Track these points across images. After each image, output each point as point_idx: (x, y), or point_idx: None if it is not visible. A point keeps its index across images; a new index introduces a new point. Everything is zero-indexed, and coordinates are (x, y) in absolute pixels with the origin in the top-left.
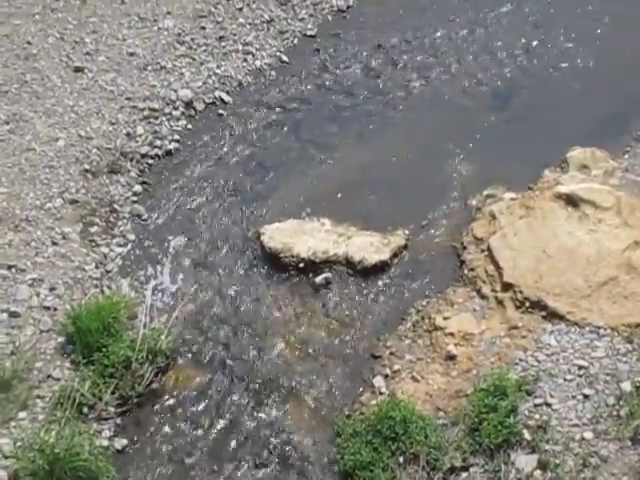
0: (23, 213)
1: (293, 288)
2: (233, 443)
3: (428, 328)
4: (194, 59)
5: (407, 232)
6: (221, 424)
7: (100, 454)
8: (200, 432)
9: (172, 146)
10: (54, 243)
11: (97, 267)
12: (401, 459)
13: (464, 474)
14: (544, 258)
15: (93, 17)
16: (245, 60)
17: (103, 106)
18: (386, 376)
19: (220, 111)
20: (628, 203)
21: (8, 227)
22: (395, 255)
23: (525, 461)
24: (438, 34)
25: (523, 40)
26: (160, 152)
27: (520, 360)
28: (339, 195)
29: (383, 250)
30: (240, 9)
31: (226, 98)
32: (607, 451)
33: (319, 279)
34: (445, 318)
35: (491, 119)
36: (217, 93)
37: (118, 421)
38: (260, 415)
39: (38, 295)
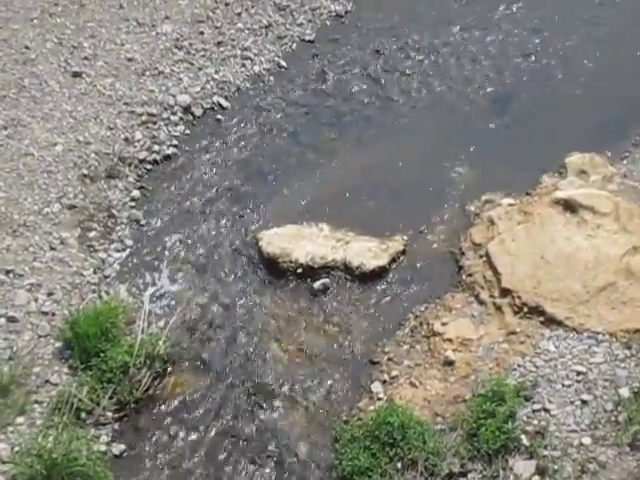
0: (21, 218)
1: (291, 293)
2: (231, 448)
3: (426, 334)
4: (192, 64)
5: (405, 237)
6: (219, 429)
7: (98, 459)
8: (198, 437)
9: (170, 151)
10: (52, 248)
11: (95, 272)
12: (399, 465)
13: None
14: (542, 264)
15: (91, 22)
16: (243, 65)
17: (101, 111)
18: (384, 382)
19: (218, 116)
20: (626, 209)
21: (6, 232)
22: (393, 260)
23: (523, 467)
24: (436, 39)
25: (522, 45)
26: (158, 157)
27: (518, 366)
28: (337, 200)
29: (381, 255)
30: (238, 14)
31: (224, 103)
32: (605, 457)
33: (317, 284)
34: (443, 324)
35: (490, 124)
36: (215, 98)
37: (116, 426)
38: (258, 420)
39: (36, 300)
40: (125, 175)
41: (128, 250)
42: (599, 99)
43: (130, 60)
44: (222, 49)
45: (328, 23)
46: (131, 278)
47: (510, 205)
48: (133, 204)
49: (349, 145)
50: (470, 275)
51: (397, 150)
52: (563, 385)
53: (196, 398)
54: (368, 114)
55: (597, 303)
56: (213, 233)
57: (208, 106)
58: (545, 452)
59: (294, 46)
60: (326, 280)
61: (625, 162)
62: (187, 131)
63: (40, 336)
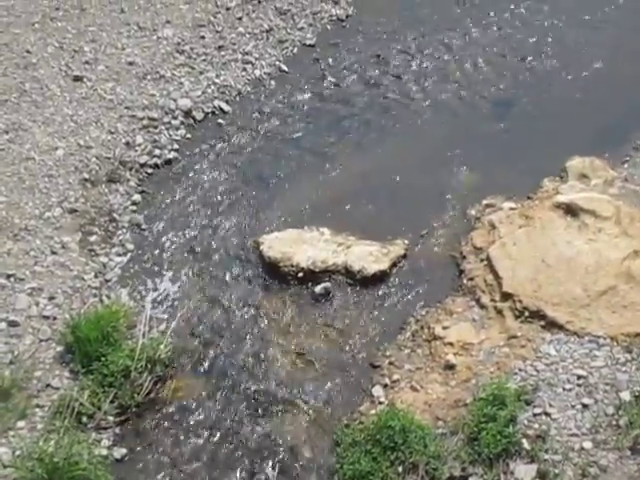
0: (22, 222)
1: (292, 297)
2: (232, 452)
3: (427, 338)
4: (193, 68)
5: (406, 242)
6: (220, 433)
7: (99, 463)
8: (199, 441)
9: (171, 155)
10: (53, 252)
11: (96, 276)
12: (400, 469)
13: None
14: (543, 268)
15: (92, 26)
16: (244, 69)
17: (102, 115)
18: (385, 385)
19: (219, 120)
20: (627, 212)
21: (7, 236)
22: (394, 265)
23: (524, 471)
24: (437, 44)
25: (523, 49)
26: (159, 161)
27: (519, 370)
28: (338, 204)
29: (382, 260)
30: (239, 18)
31: (225, 107)
32: (606, 461)
33: (318, 289)
34: (444, 328)
35: (490, 128)
36: (216, 102)
37: (117, 430)
38: (259, 424)
39: (37, 304)
40: (126, 179)
41: (129, 254)
42: (600, 103)
43: (131, 64)
44: (223, 53)
45: (329, 27)
46: (132, 282)
47: (511, 209)
48: (134, 208)
49: (350, 149)
50: (471, 279)
51: (398, 154)
52: (564, 389)
53: (197, 402)
54: (369, 118)
55: (598, 307)
56: (214, 237)
57: (209, 110)
58: (546, 456)
59: (295, 50)
60: (327, 284)
61: (626, 166)
62: (188, 135)
63: (41, 340)
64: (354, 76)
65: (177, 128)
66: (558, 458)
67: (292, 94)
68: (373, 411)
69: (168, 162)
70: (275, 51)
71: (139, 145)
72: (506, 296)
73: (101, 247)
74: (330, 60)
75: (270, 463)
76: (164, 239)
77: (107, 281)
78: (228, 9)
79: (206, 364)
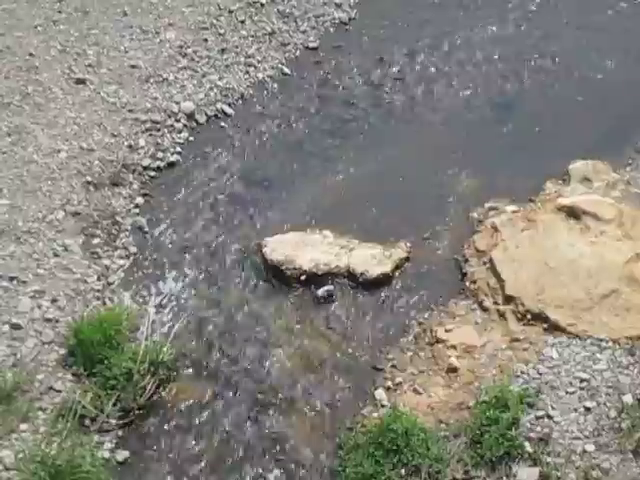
0: (25, 225)
1: (295, 300)
2: (235, 455)
3: (430, 341)
4: (196, 71)
5: (409, 244)
6: (222, 436)
7: (101, 466)
8: (202, 444)
9: (174, 158)
10: (56, 255)
11: (99, 279)
12: (403, 471)
13: None
14: (546, 270)
15: (95, 29)
16: (247, 72)
17: (105, 118)
18: (388, 388)
19: (222, 123)
20: (630, 215)
21: (10, 239)
22: (397, 267)
23: (527, 473)
24: (441, 47)
25: (525, 53)
26: (162, 164)
27: (522, 372)
28: (341, 207)
29: (385, 262)
30: (242, 21)
31: (228, 110)
32: (609, 464)
33: (321, 291)
34: (447, 330)
35: (493, 131)
36: (219, 105)
37: (120, 433)
38: (262, 427)
39: (40, 307)
40: (129, 182)
41: (132, 257)
42: (602, 106)
43: (134, 67)
44: (226, 56)
45: (332, 30)
46: (135, 285)
47: (513, 212)
48: (137, 211)
49: (352, 152)
50: (474, 282)
51: (400, 157)
52: (566, 392)
53: (200, 405)
54: (371, 121)
55: (600, 310)
56: (217, 240)
57: (212, 113)
58: (549, 459)
59: (297, 53)
60: (330, 287)
61: (629, 169)
62: (191, 138)
63: (44, 343)
64: (357, 79)
65: (180, 131)
66: (560, 461)
67: (295, 97)
68: (376, 414)
69: (171, 165)
70: (278, 54)
71: (142, 148)
72: (509, 299)
73: (104, 250)
74: (333, 63)
75: (273, 466)
76: (167, 242)
77: (110, 284)
78: (231, 12)
79: (209, 367)
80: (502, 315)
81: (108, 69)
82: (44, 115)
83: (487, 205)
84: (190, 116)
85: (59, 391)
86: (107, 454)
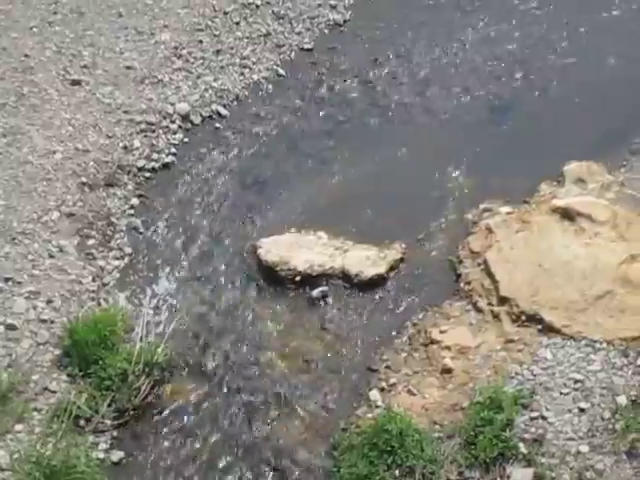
0: (20, 226)
1: (289, 301)
2: (229, 456)
3: (424, 341)
4: (191, 72)
5: (403, 245)
6: (217, 437)
7: (96, 466)
8: (196, 445)
9: (169, 159)
10: (51, 256)
11: (94, 280)
12: (397, 472)
13: None
14: (540, 272)
15: (90, 30)
16: (242, 74)
17: (100, 119)
18: (382, 389)
19: (217, 124)
20: (624, 217)
21: (5, 240)
22: (391, 269)
23: (521, 474)
24: (436, 48)
25: (521, 55)
26: (157, 165)
27: (516, 373)
28: (336, 208)
29: (379, 264)
30: (237, 23)
31: (223, 112)
32: (603, 465)
33: (316, 292)
34: (441, 332)
35: (487, 132)
36: (214, 106)
37: (114, 433)
38: (256, 428)
39: (35, 308)
40: (124, 183)
41: (127, 258)
42: (597, 107)
43: (129, 68)
44: (221, 58)
45: (327, 32)
46: (130, 286)
47: (508, 213)
48: (132, 212)
49: (347, 153)
50: (468, 283)
51: (395, 158)
52: (561, 393)
53: (194, 406)
54: (366, 122)
55: (595, 311)
56: (212, 241)
57: (207, 114)
58: (543, 460)
59: (293, 55)
60: (324, 288)
61: (623, 170)
62: (186, 139)
63: (39, 344)
64: (352, 80)
65: (175, 132)
66: (555, 462)
67: (290, 98)
68: (370, 415)
69: (166, 166)
70: (273, 55)
71: (137, 149)
72: (503, 300)
73: (99, 251)
74: (328, 64)
75: (267, 467)
76: (162, 243)
77: (105, 285)
78: (226, 13)
79: (203, 368)
80: (496, 316)
81: (103, 70)
82: (39, 116)
83: (482, 206)
84: (185, 117)
85: (54, 392)
86: (102, 455)
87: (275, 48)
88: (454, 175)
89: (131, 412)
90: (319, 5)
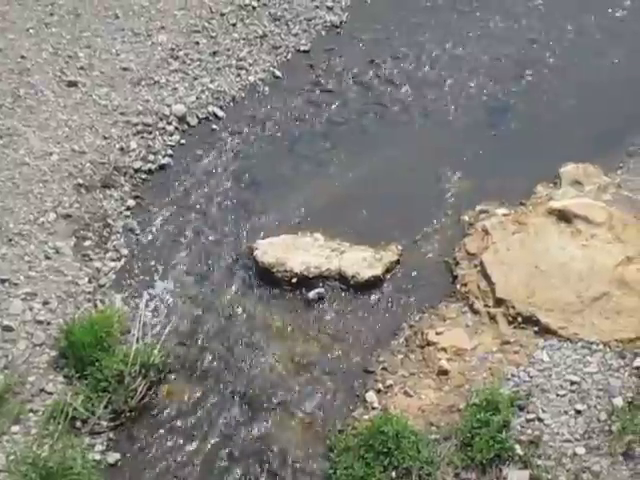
0: (17, 227)
1: (286, 303)
2: (225, 457)
3: (421, 343)
4: (187, 74)
5: (400, 247)
6: (214, 438)
7: (92, 468)
8: (193, 446)
9: (165, 161)
10: (47, 257)
11: (90, 281)
12: (393, 474)
13: None
14: (536, 273)
15: (87, 32)
16: (239, 75)
17: (96, 121)
18: (379, 391)
19: (213, 126)
20: (621, 219)
21: (2, 241)
22: (388, 270)
23: (517, 476)
24: (432, 50)
25: (518, 56)
26: (153, 167)
27: (512, 375)
28: (332, 210)
29: (376, 265)
30: (234, 24)
31: (219, 113)
32: (599, 467)
33: (312, 294)
34: (438, 333)
35: (484, 134)
36: (210, 108)
37: (111, 435)
38: (253, 429)
39: (31, 309)
40: (120, 184)
41: (123, 259)
42: (594, 109)
43: (125, 70)
44: (217, 59)
45: (323, 33)
46: (126, 287)
47: (504, 215)
48: (128, 213)
49: (344, 155)
50: (464, 285)
51: (392, 160)
52: (557, 395)
53: (191, 407)
54: (363, 124)
55: (591, 313)
56: (208, 242)
57: (203, 116)
58: (539, 462)
59: (289, 56)
60: (321, 290)
61: (619, 172)
62: (182, 141)
63: (35, 345)
64: (348, 82)
65: (171, 134)
66: (551, 464)
67: (286, 100)
68: (366, 416)
69: (162, 167)
70: (269, 57)
71: (133, 150)
72: (499, 302)
73: (95, 252)
74: (324, 66)
75: (263, 468)
76: (158, 244)
77: (101, 286)
78: (222, 15)
79: (200, 369)
80: (493, 318)
81: (100, 72)
82: (36, 117)
83: (478, 208)
84: (181, 119)
85: (50, 393)
86: (98, 456)
87: (272, 50)
88: (450, 177)
89: (127, 413)
90: (316, 7)
